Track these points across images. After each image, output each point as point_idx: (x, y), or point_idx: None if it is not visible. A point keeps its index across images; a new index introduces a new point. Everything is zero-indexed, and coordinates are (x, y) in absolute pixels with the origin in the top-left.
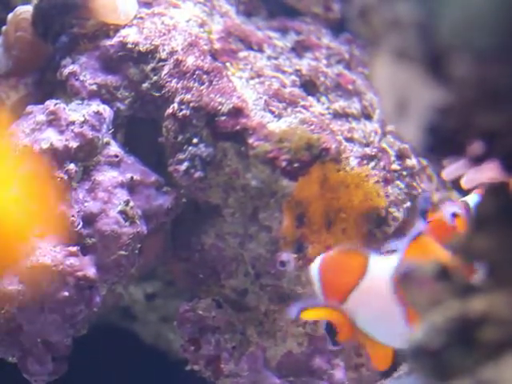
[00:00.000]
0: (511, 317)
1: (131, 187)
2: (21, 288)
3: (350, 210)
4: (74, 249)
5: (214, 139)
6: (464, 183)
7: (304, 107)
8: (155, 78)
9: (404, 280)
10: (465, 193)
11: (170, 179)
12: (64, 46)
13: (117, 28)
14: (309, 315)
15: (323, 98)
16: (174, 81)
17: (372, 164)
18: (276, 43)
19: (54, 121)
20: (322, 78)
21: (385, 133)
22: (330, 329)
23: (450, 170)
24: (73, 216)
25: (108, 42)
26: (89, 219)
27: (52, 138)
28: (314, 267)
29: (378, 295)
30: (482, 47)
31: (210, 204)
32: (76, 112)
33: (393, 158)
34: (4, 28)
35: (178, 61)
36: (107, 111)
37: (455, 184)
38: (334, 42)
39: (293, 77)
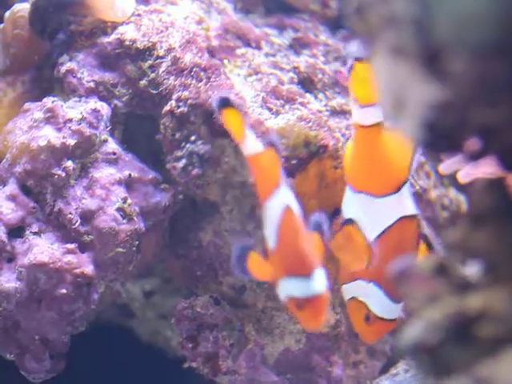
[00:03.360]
0: (508, 313)
1: (129, 184)
2: (18, 285)
3: None
4: (71, 246)
5: (212, 136)
6: (461, 177)
7: (302, 104)
8: (153, 75)
9: (402, 277)
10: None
11: (167, 176)
12: (61, 43)
13: (114, 25)
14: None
15: (321, 95)
16: (172, 78)
17: None
18: (274, 40)
19: (51, 118)
20: (320, 75)
21: None
22: None
23: (447, 165)
24: (70, 213)
25: (105, 39)
26: (86, 216)
27: (49, 135)
28: None
29: None
30: (478, 44)
31: (207, 201)
32: (73, 109)
33: None
34: (1, 26)
35: (176, 58)
36: (105, 108)
37: (452, 180)
38: (332, 39)
39: (290, 74)
